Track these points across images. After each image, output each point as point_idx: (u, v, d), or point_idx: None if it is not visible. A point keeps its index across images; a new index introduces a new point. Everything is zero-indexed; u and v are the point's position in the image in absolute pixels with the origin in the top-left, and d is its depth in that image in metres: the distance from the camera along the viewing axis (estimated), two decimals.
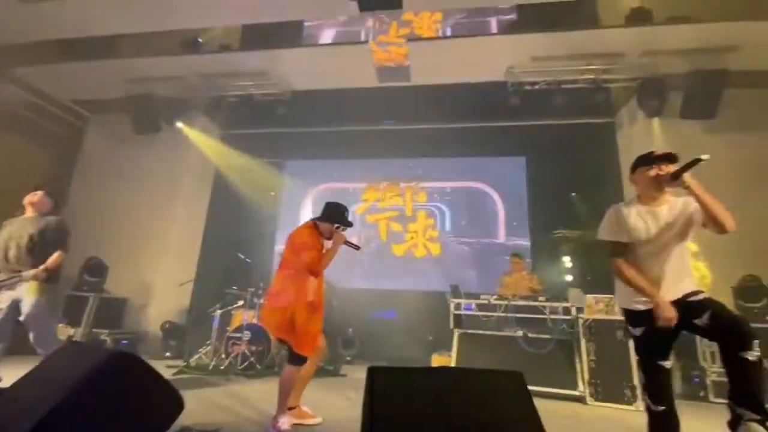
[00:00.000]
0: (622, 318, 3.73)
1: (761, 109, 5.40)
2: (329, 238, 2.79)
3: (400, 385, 1.53)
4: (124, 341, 5.33)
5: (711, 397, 4.04)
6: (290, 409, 2.66)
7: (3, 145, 5.82)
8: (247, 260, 5.35)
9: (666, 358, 2.04)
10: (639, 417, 3.34)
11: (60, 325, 4.94)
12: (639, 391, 3.54)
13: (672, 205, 2.07)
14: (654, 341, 2.03)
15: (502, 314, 4.18)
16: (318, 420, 2.72)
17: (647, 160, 2.09)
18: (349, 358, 5.65)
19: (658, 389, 2.03)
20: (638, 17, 5.08)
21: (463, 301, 4.38)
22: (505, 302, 4.19)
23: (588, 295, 4.02)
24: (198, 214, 6.94)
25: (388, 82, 5.79)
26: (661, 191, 2.06)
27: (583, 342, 3.80)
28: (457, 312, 4.38)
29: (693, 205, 1.98)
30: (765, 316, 4.26)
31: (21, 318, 2.89)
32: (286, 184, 7.35)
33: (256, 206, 6.94)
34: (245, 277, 5.45)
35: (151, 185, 6.40)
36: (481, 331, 4.17)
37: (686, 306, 1.95)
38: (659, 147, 5.45)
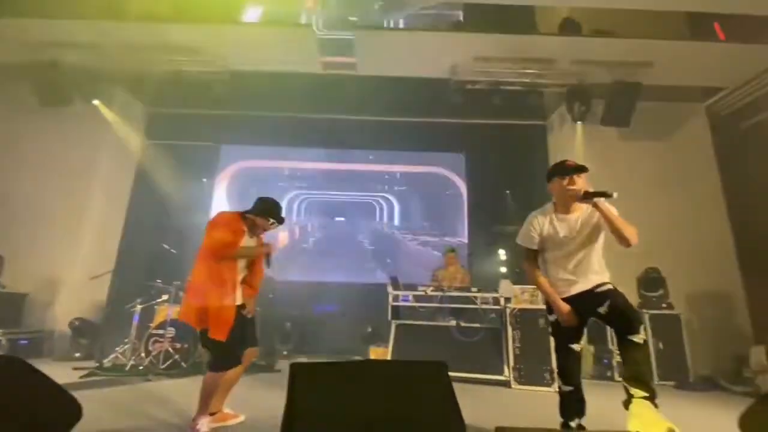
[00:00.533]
0: (544, 307, 4.04)
1: (667, 121, 6.11)
2: (261, 233, 2.67)
3: (322, 380, 1.48)
4: (23, 341, 4.71)
5: (616, 377, 4.51)
6: (212, 414, 2.50)
7: None
8: (172, 251, 4.95)
9: (575, 342, 2.29)
10: (556, 398, 3.65)
11: None
12: (556, 374, 3.84)
13: (582, 213, 2.29)
14: (565, 327, 2.23)
15: (437, 305, 4.30)
16: (240, 419, 2.59)
17: (561, 170, 2.27)
18: (285, 353, 5.49)
19: (567, 370, 2.28)
20: (569, 27, 5.44)
21: (400, 293, 4.45)
22: (440, 293, 4.32)
23: (515, 286, 4.27)
24: (118, 200, 6.29)
25: (333, 70, 5.63)
26: (573, 202, 2.26)
27: (509, 330, 4.04)
28: (395, 303, 4.43)
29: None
30: (662, 304, 4.84)
31: None
32: (221, 170, 6.92)
33: (187, 193, 6.44)
34: (171, 269, 5.03)
35: (60, 166, 5.66)
36: (417, 322, 4.25)
37: (592, 296, 2.19)
38: (583, 151, 6.03)
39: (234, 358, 2.44)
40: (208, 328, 2.36)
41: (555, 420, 2.50)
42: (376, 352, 4.68)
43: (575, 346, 2.28)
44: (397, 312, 4.44)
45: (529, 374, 3.91)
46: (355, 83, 5.98)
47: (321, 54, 5.30)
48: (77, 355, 4.82)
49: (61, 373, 3.61)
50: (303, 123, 6.67)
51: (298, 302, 5.98)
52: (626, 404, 2.02)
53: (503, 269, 6.42)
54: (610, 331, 4.73)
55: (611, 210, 2.16)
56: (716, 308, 5.24)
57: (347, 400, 1.43)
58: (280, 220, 2.67)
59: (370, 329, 5.60)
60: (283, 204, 2.78)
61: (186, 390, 3.48)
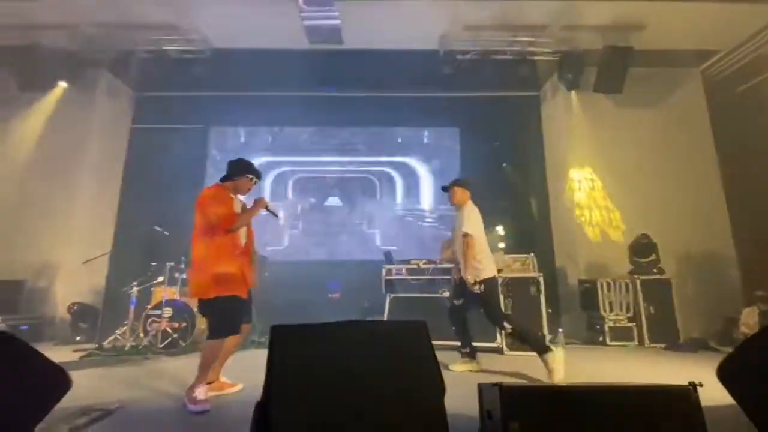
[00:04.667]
0: (535, 275, 4.09)
1: (660, 87, 6.01)
2: (245, 192, 2.70)
3: (302, 340, 1.51)
4: (24, 327, 4.77)
5: (608, 341, 4.60)
6: (209, 383, 2.56)
7: None
8: (165, 233, 4.95)
9: (458, 300, 3.33)
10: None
11: None
12: (547, 339, 3.91)
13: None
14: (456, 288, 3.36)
15: (430, 277, 4.34)
16: (238, 387, 2.65)
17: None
18: None
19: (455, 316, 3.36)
20: None
21: (393, 267, 4.48)
22: (432, 266, 4.35)
23: (507, 256, 4.30)
24: (110, 183, 6.27)
25: (319, 44, 5.50)
26: None
27: (501, 298, 4.08)
28: (388, 277, 4.47)
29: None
30: (653, 269, 4.88)
31: None
32: (211, 152, 6.87)
33: (179, 175, 6.40)
34: (165, 251, 5.05)
35: (48, 152, 5.60)
36: (410, 294, 4.30)
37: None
38: (576, 119, 5.96)
39: (235, 324, 2.48)
40: (210, 296, 2.40)
41: (544, 381, 2.59)
42: None
43: (456, 302, 3.34)
44: (391, 286, 4.49)
45: None
46: (342, 59, 5.85)
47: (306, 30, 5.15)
48: (78, 338, 4.89)
49: (61, 355, 3.67)
50: (290, 101, 6.56)
51: (293, 281, 6.02)
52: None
53: (500, 244, 6.45)
54: (602, 298, 4.79)
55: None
56: (708, 271, 5.31)
57: (327, 359, 1.45)
58: (258, 175, 2.72)
59: (367, 304, 5.68)
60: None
61: (184, 366, 3.55)
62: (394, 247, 5.96)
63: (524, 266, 4.16)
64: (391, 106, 6.75)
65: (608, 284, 4.81)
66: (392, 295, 4.47)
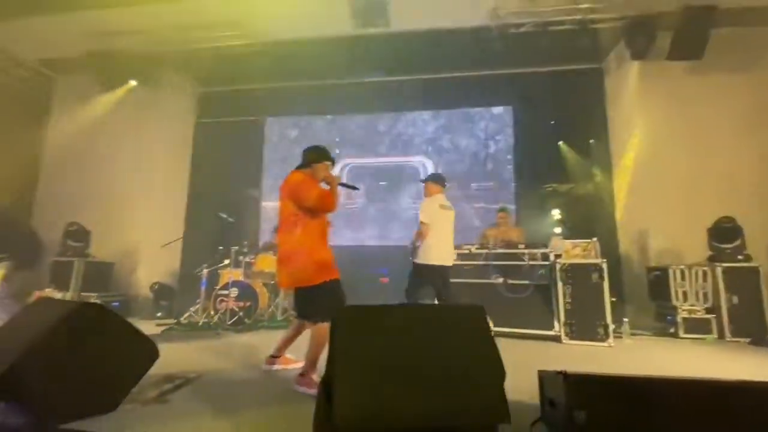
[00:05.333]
0: (597, 261, 3.86)
1: (748, 50, 5.26)
2: (322, 179, 2.59)
3: (362, 321, 1.56)
4: (115, 303, 5.40)
5: (681, 333, 4.25)
6: (275, 357, 2.74)
7: None
8: (230, 220, 5.32)
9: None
10: (609, 351, 3.53)
11: (47, 289, 4.98)
12: (611, 329, 3.70)
13: None
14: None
15: (482, 263, 4.26)
16: (301, 363, 2.81)
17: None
18: None
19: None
20: None
21: None
22: (485, 251, 4.26)
23: (566, 241, 4.09)
24: (180, 175, 6.83)
25: (366, 28, 5.47)
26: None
27: (560, 285, 3.91)
28: None
29: None
30: (737, 256, 4.39)
31: None
32: (268, 143, 7.21)
33: (239, 166, 6.84)
34: (230, 236, 5.45)
35: (127, 146, 6.21)
36: (461, 279, 4.25)
37: None
38: (645, 92, 5.43)
39: (342, 305, 2.41)
40: (314, 282, 2.36)
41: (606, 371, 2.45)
42: None
43: None
44: None
45: (582, 329, 3.80)
46: (390, 42, 5.78)
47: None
48: (159, 314, 5.45)
49: (145, 329, 4.10)
50: (339, 90, 6.65)
51: (342, 265, 6.18)
52: None
53: (556, 228, 6.14)
54: (674, 286, 4.41)
55: None
56: None
57: (387, 340, 1.48)
58: (332, 159, 2.69)
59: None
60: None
61: (249, 341, 3.86)
62: None
63: (585, 252, 3.93)
64: (441, 88, 6.60)
65: (682, 271, 4.42)
66: None
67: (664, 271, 4.55)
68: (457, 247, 4.50)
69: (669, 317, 4.44)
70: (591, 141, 6.15)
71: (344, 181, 2.75)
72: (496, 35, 5.42)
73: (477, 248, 4.36)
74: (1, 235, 3.28)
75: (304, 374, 2.31)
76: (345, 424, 1.25)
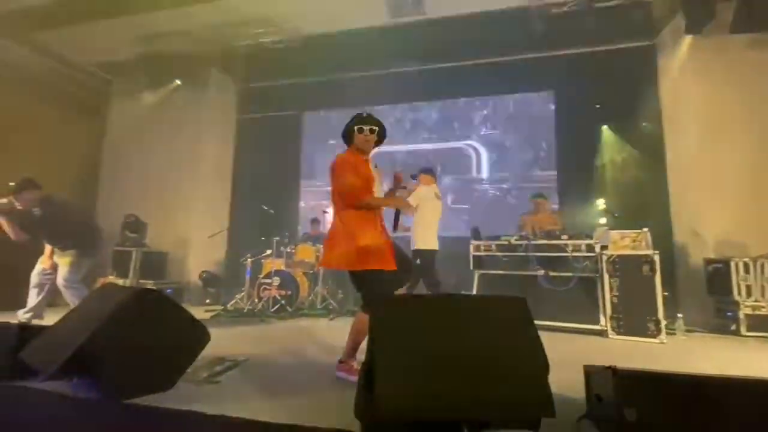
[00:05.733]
0: (648, 252, 3.64)
1: None
2: (369, 149, 2.42)
3: (402, 310, 1.57)
4: (169, 290, 5.79)
5: (743, 331, 3.93)
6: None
7: (34, 117, 6.04)
8: (270, 211, 5.53)
9: None
10: (660, 348, 3.35)
11: (110, 277, 5.43)
12: (663, 325, 3.50)
13: None
14: None
15: (522, 254, 4.14)
16: None
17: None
18: None
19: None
20: None
21: (482, 243, 4.37)
22: (525, 242, 4.14)
23: (613, 231, 3.88)
24: (224, 168, 7.17)
25: (401, 17, 5.40)
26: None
27: (606, 278, 3.74)
28: (476, 254, 4.39)
29: None
30: None
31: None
32: (306, 136, 7.38)
33: (278, 160, 7.07)
34: (271, 227, 5.67)
35: (175, 142, 6.58)
36: (500, 271, 4.17)
37: None
38: (706, 70, 4.99)
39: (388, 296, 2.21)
40: (356, 267, 2.23)
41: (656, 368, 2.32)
42: None
43: None
44: (479, 262, 4.40)
45: (630, 324, 3.62)
46: (425, 30, 5.68)
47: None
48: (207, 301, 5.80)
49: (195, 314, 4.38)
50: (374, 80, 6.63)
51: None
52: None
53: (600, 218, 5.85)
54: (736, 280, 4.08)
55: None
56: None
57: (427, 329, 1.49)
58: (368, 122, 2.36)
59: (454, 280, 5.67)
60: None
61: (291, 327, 4.03)
62: (481, 222, 5.79)
63: (635, 243, 3.71)
64: (477, 74, 6.41)
65: (746, 264, 4.07)
66: (481, 272, 4.39)
67: (725, 263, 4.21)
68: (495, 237, 4.42)
69: (729, 313, 4.12)
70: (644, 124, 5.75)
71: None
72: (537, 15, 5.17)
73: (516, 239, 4.24)
74: (68, 225, 3.60)
75: (344, 361, 2.35)
76: (386, 412, 1.26)
